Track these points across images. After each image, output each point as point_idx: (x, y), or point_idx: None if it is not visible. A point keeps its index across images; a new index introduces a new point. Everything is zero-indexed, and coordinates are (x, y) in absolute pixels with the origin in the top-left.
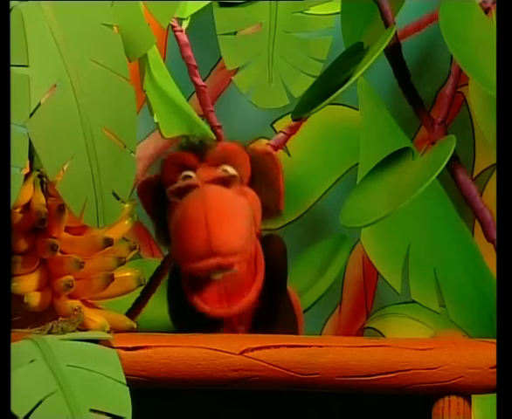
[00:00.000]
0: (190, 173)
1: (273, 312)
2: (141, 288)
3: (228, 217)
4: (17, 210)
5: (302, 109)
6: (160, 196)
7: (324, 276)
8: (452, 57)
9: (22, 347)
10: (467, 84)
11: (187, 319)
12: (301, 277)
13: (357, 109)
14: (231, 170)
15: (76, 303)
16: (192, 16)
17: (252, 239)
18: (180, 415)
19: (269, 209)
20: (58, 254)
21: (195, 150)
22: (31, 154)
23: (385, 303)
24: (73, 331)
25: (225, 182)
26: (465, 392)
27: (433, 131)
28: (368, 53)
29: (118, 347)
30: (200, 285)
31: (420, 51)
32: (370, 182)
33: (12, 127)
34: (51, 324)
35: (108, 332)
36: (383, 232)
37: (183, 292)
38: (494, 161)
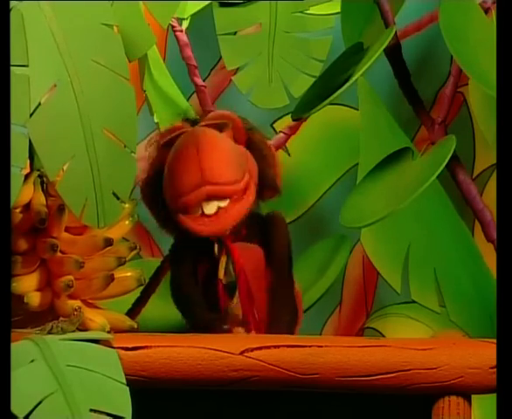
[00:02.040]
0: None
1: (279, 297)
2: (141, 288)
3: (218, 149)
4: (17, 210)
5: (302, 109)
6: (158, 186)
7: (324, 276)
8: (452, 57)
9: (22, 347)
10: (467, 84)
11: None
12: (301, 277)
13: (357, 109)
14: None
15: (76, 303)
16: (192, 16)
17: (244, 172)
18: (180, 415)
19: (266, 184)
20: (58, 254)
21: (190, 121)
22: (31, 154)
23: (385, 303)
24: (73, 331)
25: (217, 126)
26: (465, 392)
27: (433, 131)
28: (368, 53)
29: (118, 347)
30: (194, 218)
31: (420, 51)
32: (370, 182)
33: (12, 127)
34: (51, 324)
35: (108, 332)
36: (383, 232)
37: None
38: (494, 161)
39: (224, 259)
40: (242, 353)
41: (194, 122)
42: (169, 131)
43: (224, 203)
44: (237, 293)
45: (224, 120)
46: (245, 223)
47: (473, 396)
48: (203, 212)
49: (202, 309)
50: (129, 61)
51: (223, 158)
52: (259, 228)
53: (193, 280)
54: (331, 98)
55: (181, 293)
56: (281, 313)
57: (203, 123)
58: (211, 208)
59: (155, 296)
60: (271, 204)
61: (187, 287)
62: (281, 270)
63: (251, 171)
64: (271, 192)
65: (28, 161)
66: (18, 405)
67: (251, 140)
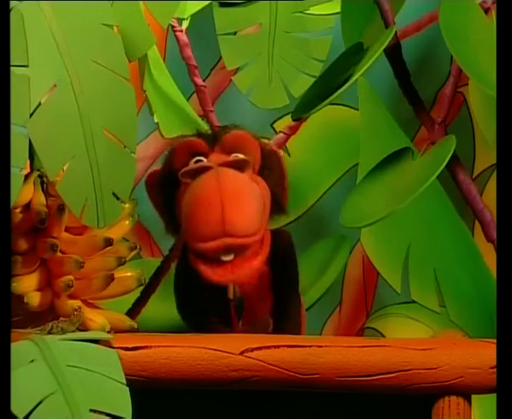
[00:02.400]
0: (202, 158)
1: (283, 309)
2: (141, 288)
3: (243, 200)
4: (17, 210)
5: (302, 109)
6: (168, 187)
7: (324, 276)
8: (452, 57)
9: (22, 347)
10: (467, 84)
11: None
12: (301, 277)
13: (357, 109)
14: (242, 157)
15: (76, 303)
16: (192, 16)
17: (263, 224)
18: (180, 415)
19: (274, 205)
20: (59, 254)
21: (205, 138)
22: (31, 154)
23: (385, 303)
24: (73, 331)
25: (239, 165)
26: (465, 392)
27: (433, 131)
28: (368, 53)
29: (118, 347)
30: (208, 262)
31: (420, 51)
32: (370, 182)
33: (12, 127)
34: (51, 324)
35: (108, 332)
36: (383, 232)
37: (191, 274)
38: (494, 161)
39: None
40: (242, 353)
41: (208, 138)
42: (185, 147)
43: (241, 254)
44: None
45: (239, 147)
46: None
47: (473, 396)
48: (219, 259)
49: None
50: (129, 61)
51: (246, 211)
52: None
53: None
54: (331, 98)
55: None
56: (285, 331)
57: (225, 160)
58: (228, 257)
59: (155, 296)
60: None
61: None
62: (287, 288)
63: (266, 207)
64: (277, 211)
65: (28, 161)
66: (18, 405)
67: (265, 162)
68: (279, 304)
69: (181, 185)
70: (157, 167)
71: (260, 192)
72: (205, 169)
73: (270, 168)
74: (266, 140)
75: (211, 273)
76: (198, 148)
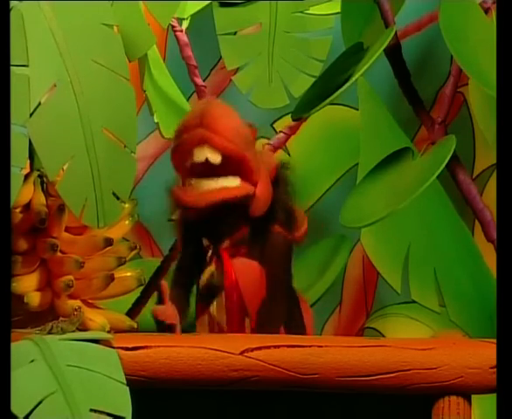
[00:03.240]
0: None
1: (278, 307)
2: (141, 288)
3: (225, 109)
4: (17, 210)
5: (302, 109)
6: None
7: (324, 276)
8: (452, 57)
9: (22, 347)
10: (467, 84)
11: None
12: (301, 277)
13: (357, 109)
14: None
15: (76, 303)
16: (192, 16)
17: (244, 146)
18: (180, 415)
19: (289, 222)
20: (58, 254)
21: None
22: (31, 154)
23: (385, 303)
24: (73, 331)
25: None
26: (465, 392)
27: (433, 131)
28: (368, 53)
29: (118, 347)
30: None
31: (420, 51)
32: (370, 182)
33: (12, 127)
34: (51, 324)
35: (108, 332)
36: (383, 232)
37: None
38: (494, 161)
39: (212, 268)
40: (242, 353)
41: None
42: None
43: (215, 158)
44: (215, 303)
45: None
46: (246, 241)
47: (473, 396)
48: (193, 161)
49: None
50: (129, 61)
51: (225, 115)
52: (260, 245)
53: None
54: (331, 98)
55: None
56: (276, 325)
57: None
58: (200, 154)
59: (155, 296)
60: None
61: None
62: (277, 286)
63: (262, 174)
64: (282, 226)
65: (28, 161)
66: (18, 405)
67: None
68: (268, 300)
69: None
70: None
71: (252, 140)
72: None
73: (280, 183)
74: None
75: (183, 195)
76: None
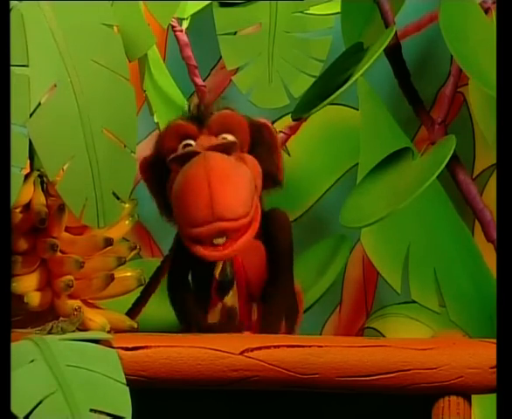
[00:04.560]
0: (191, 141)
1: (279, 296)
2: (141, 288)
3: (230, 183)
4: (17, 210)
5: (302, 109)
6: (160, 172)
7: (324, 276)
8: (452, 57)
9: (22, 347)
10: (467, 84)
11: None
12: (301, 277)
13: (357, 109)
14: (230, 137)
15: (76, 303)
16: (192, 16)
17: (253, 204)
18: (180, 415)
19: (269, 178)
20: (59, 254)
21: (194, 119)
22: (31, 154)
23: (385, 303)
24: (73, 331)
25: (226, 148)
26: (465, 392)
27: (433, 131)
28: (368, 53)
29: (118, 347)
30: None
31: (420, 51)
32: (370, 182)
33: (12, 127)
34: (51, 324)
35: (108, 332)
36: (383, 232)
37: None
38: (494, 161)
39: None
40: (242, 353)
41: (196, 118)
42: (172, 131)
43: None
44: (230, 293)
45: (226, 127)
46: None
47: (473, 396)
48: (212, 242)
49: (192, 306)
50: (129, 61)
51: (234, 194)
52: (262, 224)
53: (187, 277)
54: (331, 98)
55: (174, 290)
56: (278, 311)
57: (211, 144)
58: (220, 240)
59: (155, 296)
60: (272, 202)
61: (180, 283)
62: (281, 267)
63: (257, 185)
64: (272, 184)
65: (28, 161)
66: (18, 405)
67: (256, 138)
68: (270, 282)
69: (171, 171)
70: (148, 153)
71: (249, 172)
72: (192, 155)
73: (260, 142)
74: (255, 118)
75: (206, 253)
76: (186, 131)
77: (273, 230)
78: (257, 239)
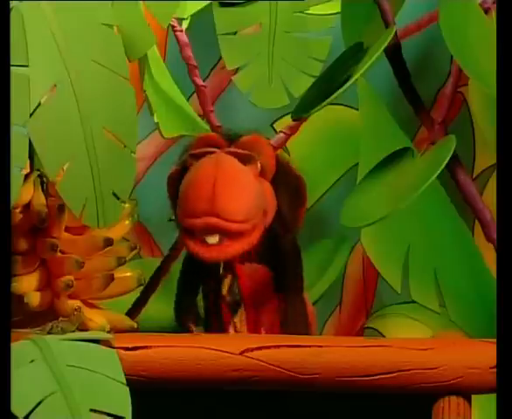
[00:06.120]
0: (215, 150)
1: (287, 311)
2: (141, 288)
3: (236, 185)
4: (17, 210)
5: (302, 109)
6: None
7: (324, 276)
8: (452, 57)
9: (22, 347)
10: (467, 84)
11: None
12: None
13: (357, 109)
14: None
15: (76, 303)
16: (192, 16)
17: (256, 216)
18: (180, 415)
19: (281, 223)
20: (58, 254)
21: (227, 136)
22: (31, 154)
23: (385, 303)
24: (73, 331)
25: (242, 157)
26: (465, 392)
27: (433, 131)
28: (368, 53)
29: (118, 347)
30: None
31: (420, 51)
32: (370, 182)
33: (12, 127)
34: (51, 324)
35: (108, 332)
36: (383, 232)
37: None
38: (494, 161)
39: (229, 278)
40: (242, 353)
41: (227, 137)
42: (202, 140)
43: (226, 237)
44: (239, 311)
45: (253, 149)
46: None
47: (473, 396)
48: (204, 240)
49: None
50: (129, 61)
51: (237, 196)
52: (268, 248)
53: (195, 297)
54: (331, 98)
55: (182, 310)
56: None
57: (230, 149)
58: (213, 239)
59: (155, 296)
60: None
61: (189, 304)
62: (291, 290)
63: (267, 211)
64: (283, 230)
65: (28, 161)
66: (18, 405)
67: (282, 176)
68: (283, 306)
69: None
70: (173, 169)
71: (261, 189)
72: (209, 153)
73: (285, 184)
74: (291, 163)
75: (197, 250)
76: (216, 142)
77: (279, 254)
78: (263, 264)
